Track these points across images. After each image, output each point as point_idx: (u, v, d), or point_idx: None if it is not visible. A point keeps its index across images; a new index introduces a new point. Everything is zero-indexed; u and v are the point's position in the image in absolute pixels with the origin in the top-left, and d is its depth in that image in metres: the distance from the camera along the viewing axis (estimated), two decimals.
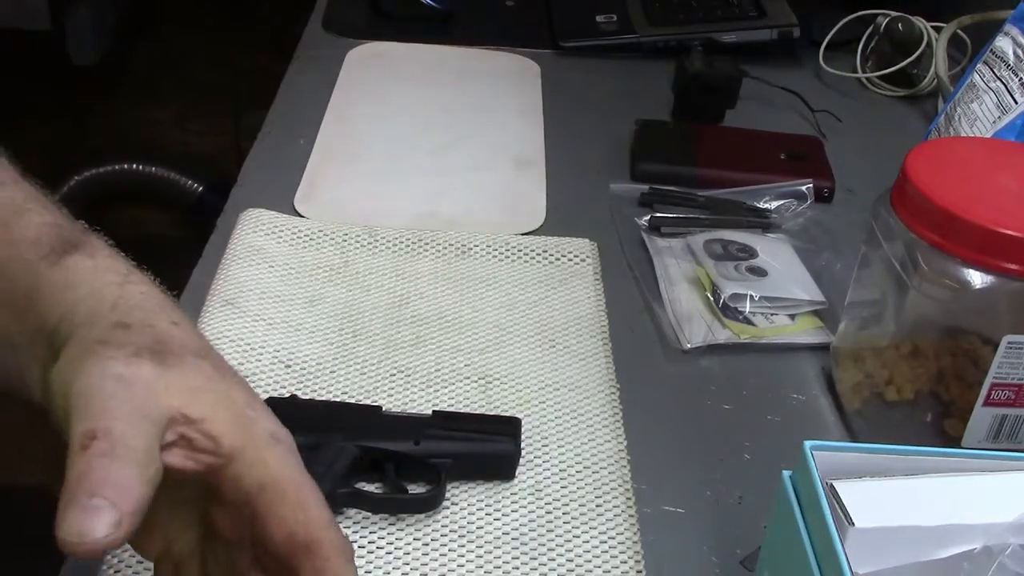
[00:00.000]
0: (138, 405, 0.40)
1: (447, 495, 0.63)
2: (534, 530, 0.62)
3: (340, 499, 0.60)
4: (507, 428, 0.65)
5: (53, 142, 2.13)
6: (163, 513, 0.44)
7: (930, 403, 0.68)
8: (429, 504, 0.62)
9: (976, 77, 0.90)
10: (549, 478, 0.65)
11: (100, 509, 0.37)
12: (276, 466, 0.42)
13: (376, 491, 0.62)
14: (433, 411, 0.66)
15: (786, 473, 0.50)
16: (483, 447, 0.64)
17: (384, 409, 0.66)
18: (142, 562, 0.57)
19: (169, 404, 0.41)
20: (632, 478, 0.66)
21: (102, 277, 0.46)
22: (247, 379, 0.69)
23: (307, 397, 0.68)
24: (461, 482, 0.64)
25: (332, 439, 0.61)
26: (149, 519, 0.41)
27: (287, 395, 0.68)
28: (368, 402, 0.69)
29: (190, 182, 2.17)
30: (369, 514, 0.61)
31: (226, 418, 0.42)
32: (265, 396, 0.67)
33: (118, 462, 0.38)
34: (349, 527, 0.61)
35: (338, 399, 0.69)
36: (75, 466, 0.38)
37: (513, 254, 0.84)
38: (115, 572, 0.56)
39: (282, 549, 0.42)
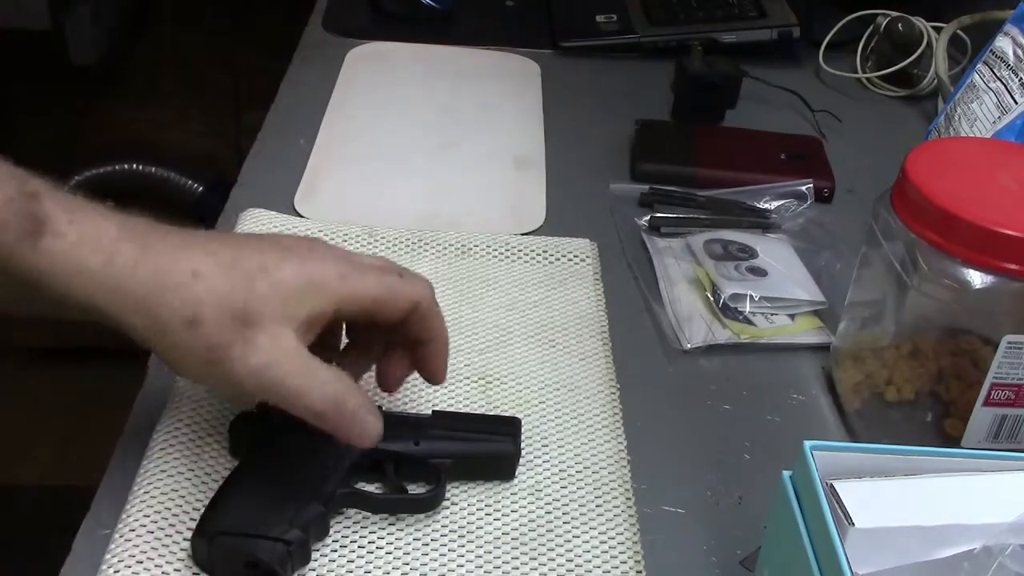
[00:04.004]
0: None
1: (447, 495, 0.63)
2: (534, 530, 0.62)
3: (340, 499, 0.60)
4: (507, 428, 0.65)
5: (53, 142, 2.13)
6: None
7: (930, 403, 0.68)
8: (429, 504, 0.62)
9: (976, 77, 0.89)
10: (549, 478, 0.65)
11: None
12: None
13: (376, 491, 0.62)
14: (433, 411, 0.66)
15: (786, 473, 0.50)
16: (483, 447, 0.64)
17: (384, 409, 0.66)
18: (141, 562, 0.57)
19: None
20: (632, 478, 0.66)
21: (90, 259, 0.50)
22: None
23: None
24: (461, 482, 0.64)
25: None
26: None
27: None
28: None
29: (190, 182, 2.17)
30: (369, 514, 0.61)
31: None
32: None
33: None
34: (349, 527, 0.61)
35: None
36: None
37: (513, 254, 0.84)
38: (115, 572, 0.56)
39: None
